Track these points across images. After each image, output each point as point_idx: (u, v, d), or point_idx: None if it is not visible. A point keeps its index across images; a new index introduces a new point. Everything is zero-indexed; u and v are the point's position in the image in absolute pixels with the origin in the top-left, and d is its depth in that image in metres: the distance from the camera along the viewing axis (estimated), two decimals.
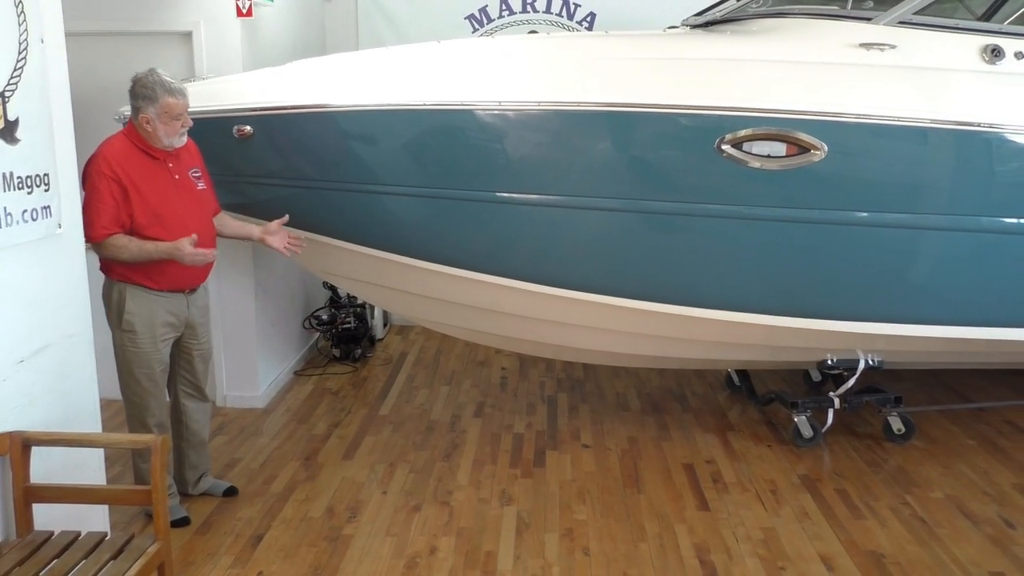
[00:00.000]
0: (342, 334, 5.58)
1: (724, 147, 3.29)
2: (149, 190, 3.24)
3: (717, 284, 3.72)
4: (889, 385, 4.44)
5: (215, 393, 4.73)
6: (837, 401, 4.21)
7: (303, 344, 5.65)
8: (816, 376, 4.99)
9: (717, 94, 3.26)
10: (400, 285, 4.18)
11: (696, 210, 3.52)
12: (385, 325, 6.19)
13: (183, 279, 3.37)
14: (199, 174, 3.46)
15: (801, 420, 4.21)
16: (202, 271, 3.46)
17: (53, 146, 2.74)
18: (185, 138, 3.33)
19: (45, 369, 2.72)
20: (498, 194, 3.71)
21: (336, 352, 5.61)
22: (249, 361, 4.75)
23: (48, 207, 2.71)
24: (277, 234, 3.65)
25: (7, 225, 2.51)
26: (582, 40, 3.56)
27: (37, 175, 2.65)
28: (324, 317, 5.60)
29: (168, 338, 3.40)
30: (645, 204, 3.59)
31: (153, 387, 3.38)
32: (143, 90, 3.23)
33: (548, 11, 5.98)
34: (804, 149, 3.30)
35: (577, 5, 5.94)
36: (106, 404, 3.24)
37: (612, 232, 3.70)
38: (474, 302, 4.11)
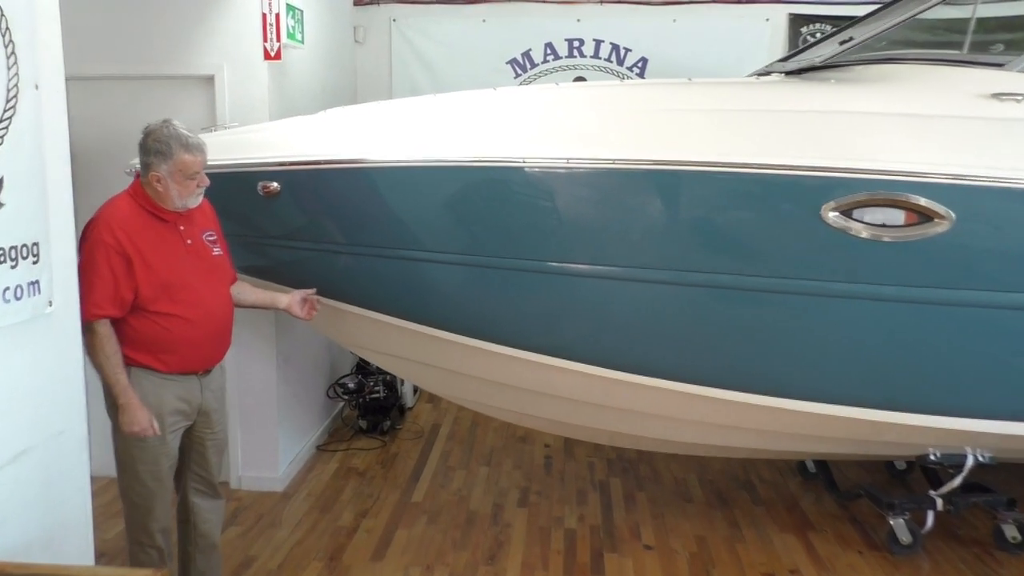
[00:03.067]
0: (370, 404, 5.09)
1: (830, 214, 2.80)
2: (156, 258, 2.78)
3: (809, 372, 3.22)
4: (985, 476, 3.90)
5: (229, 473, 4.25)
6: (940, 502, 3.66)
7: (327, 414, 5.16)
8: (901, 464, 4.44)
9: (823, 152, 2.78)
10: (439, 362, 3.69)
11: (790, 287, 3.02)
12: (415, 392, 5.69)
13: (196, 359, 2.91)
14: (214, 238, 3.01)
15: (898, 523, 3.66)
16: (220, 348, 3.01)
17: (46, 210, 2.28)
18: (200, 198, 2.89)
19: (24, 478, 2.24)
20: (551, 263, 3.24)
21: (363, 423, 5.11)
22: (268, 438, 4.26)
23: (36, 282, 2.25)
24: (304, 303, 3.22)
25: None
26: (662, 89, 3.11)
27: (24, 245, 2.19)
28: (351, 385, 5.11)
29: (178, 428, 2.93)
30: (726, 279, 3.10)
31: (158, 487, 2.90)
32: (156, 144, 2.79)
33: (596, 56, 5.57)
34: (926, 218, 2.80)
35: (628, 50, 5.53)
36: (103, 489, 2.75)
37: (684, 309, 3.21)
38: (521, 383, 3.62)
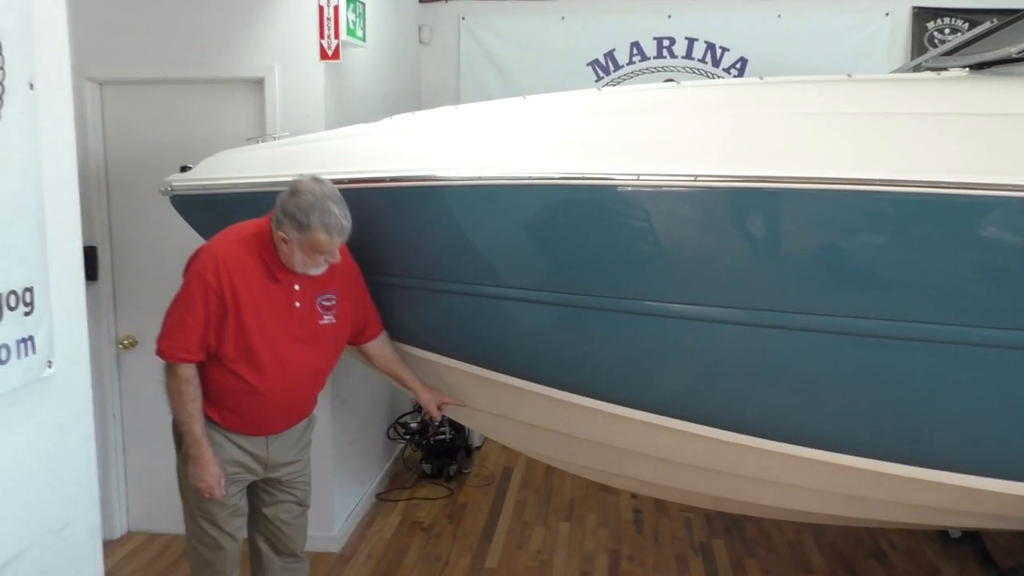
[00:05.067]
0: (435, 447, 4.55)
1: None
2: (253, 318, 2.37)
3: (979, 441, 2.58)
4: None
5: None
6: None
7: (387, 457, 4.64)
8: None
9: None
10: (518, 415, 3.11)
11: (970, 336, 2.37)
12: None
13: (261, 426, 2.52)
14: (332, 302, 2.53)
15: None
16: (291, 419, 2.58)
17: (43, 244, 1.79)
18: (324, 267, 2.44)
19: None
20: (649, 303, 2.65)
21: (427, 468, 4.57)
22: (324, 493, 3.72)
23: (29, 339, 1.75)
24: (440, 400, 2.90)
25: None
26: (815, 87, 2.50)
27: (12, 292, 1.70)
28: (413, 425, 4.58)
29: (240, 480, 2.53)
30: (883, 326, 2.45)
31: (220, 535, 2.50)
32: (296, 211, 2.33)
33: (689, 56, 4.97)
34: None
35: (725, 49, 4.92)
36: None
37: (826, 362, 2.57)
38: (613, 441, 3.02)
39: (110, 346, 3.74)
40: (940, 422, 2.63)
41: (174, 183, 2.90)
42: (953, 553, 3.78)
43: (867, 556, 3.76)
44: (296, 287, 2.44)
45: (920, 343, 2.49)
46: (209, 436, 2.43)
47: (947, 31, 4.72)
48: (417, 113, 2.91)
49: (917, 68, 3.09)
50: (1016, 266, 2.25)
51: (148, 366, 3.73)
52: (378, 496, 4.33)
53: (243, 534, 2.57)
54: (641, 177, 2.41)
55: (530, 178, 2.64)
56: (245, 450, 2.49)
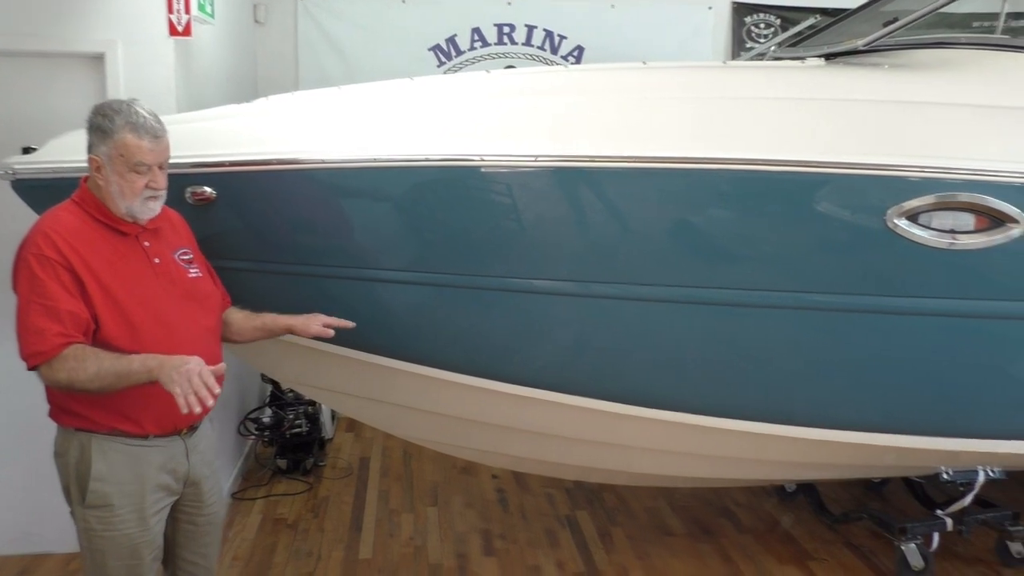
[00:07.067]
0: (290, 441, 4.40)
1: (897, 221, 2.42)
2: (115, 280, 2.08)
3: (829, 397, 2.88)
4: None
5: None
6: (950, 523, 3.40)
7: (238, 454, 4.44)
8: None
9: (893, 148, 2.40)
10: (392, 397, 3.10)
11: (813, 302, 2.64)
12: (333, 420, 5.01)
13: (176, 412, 2.10)
14: (189, 256, 2.31)
15: (910, 549, 3.37)
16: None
17: None
18: (157, 207, 2.17)
19: None
20: (516, 280, 2.75)
21: (281, 463, 4.42)
22: None
23: None
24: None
25: None
26: (695, 74, 2.65)
27: None
28: (266, 420, 4.41)
29: (162, 508, 2.22)
30: (736, 295, 2.69)
31: None
32: (98, 119, 2.09)
33: (528, 43, 5.09)
34: (997, 221, 2.48)
35: (563, 37, 5.08)
36: None
37: (677, 331, 2.79)
38: (488, 418, 3.09)
39: None
40: (792, 382, 2.89)
41: (17, 166, 2.62)
42: (790, 505, 4.14)
43: (717, 515, 4.04)
44: (146, 243, 2.19)
45: (768, 309, 2.74)
46: (126, 463, 2.12)
47: (762, 25, 5.13)
48: (296, 93, 2.82)
49: (761, 56, 3.36)
50: (854, 236, 2.51)
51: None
52: (233, 496, 4.14)
53: None
54: (506, 157, 2.47)
55: (397, 160, 2.65)
56: (167, 469, 2.19)
